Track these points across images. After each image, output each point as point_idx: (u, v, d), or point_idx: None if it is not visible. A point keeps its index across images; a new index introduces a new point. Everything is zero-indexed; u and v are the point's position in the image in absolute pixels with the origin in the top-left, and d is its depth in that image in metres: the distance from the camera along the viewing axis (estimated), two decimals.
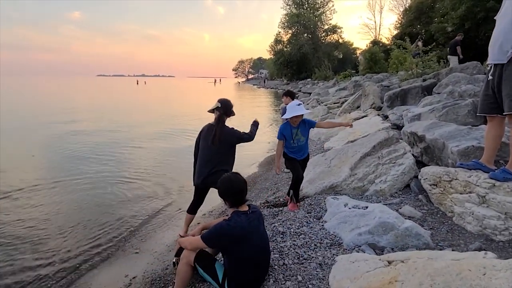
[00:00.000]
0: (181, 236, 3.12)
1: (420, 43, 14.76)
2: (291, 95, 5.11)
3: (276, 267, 2.39)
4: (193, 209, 3.32)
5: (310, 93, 22.64)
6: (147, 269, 2.99)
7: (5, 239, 3.55)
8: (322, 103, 13.93)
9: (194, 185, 3.23)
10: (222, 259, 2.33)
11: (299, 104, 3.31)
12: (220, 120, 3.14)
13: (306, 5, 49.00)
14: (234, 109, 3.28)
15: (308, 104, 14.48)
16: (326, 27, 49.06)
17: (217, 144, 3.07)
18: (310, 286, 2.11)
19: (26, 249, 3.34)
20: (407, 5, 31.45)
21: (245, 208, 2.20)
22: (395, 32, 31.09)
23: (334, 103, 12.49)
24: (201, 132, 3.25)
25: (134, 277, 2.88)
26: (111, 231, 3.76)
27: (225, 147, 3.13)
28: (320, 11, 48.95)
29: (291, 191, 3.54)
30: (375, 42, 32.20)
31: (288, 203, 3.58)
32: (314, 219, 3.12)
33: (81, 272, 3.01)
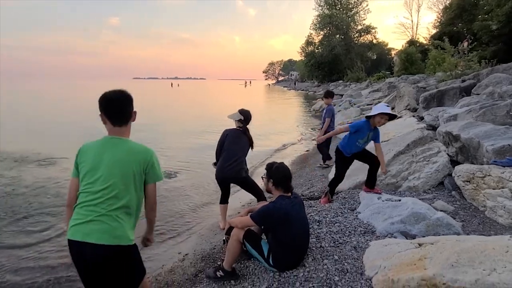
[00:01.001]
0: (223, 228, 3.52)
1: (465, 44, 14.26)
2: (332, 95, 5.64)
3: (314, 248, 2.66)
4: (223, 200, 3.72)
5: (342, 95, 22.45)
6: (196, 248, 3.38)
7: None
8: (355, 104, 13.89)
9: (216, 178, 3.62)
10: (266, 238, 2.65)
11: (387, 106, 3.44)
12: (247, 130, 3.66)
13: (339, 6, 48.48)
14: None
15: (340, 106, 14.49)
16: (359, 27, 48.26)
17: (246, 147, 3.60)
18: (345, 264, 2.36)
19: None
20: (448, 2, 30.14)
21: (289, 194, 2.50)
22: (434, 31, 29.94)
23: (367, 105, 12.44)
24: (226, 134, 3.61)
25: (186, 254, 3.28)
26: (162, 218, 4.21)
27: (246, 149, 3.63)
28: (353, 11, 48.24)
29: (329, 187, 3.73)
30: (412, 42, 31.21)
31: (322, 197, 3.82)
32: (348, 210, 3.36)
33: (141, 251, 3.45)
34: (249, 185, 3.59)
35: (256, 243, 2.51)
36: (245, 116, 3.66)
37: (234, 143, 3.55)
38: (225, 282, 2.58)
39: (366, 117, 3.43)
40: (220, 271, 2.57)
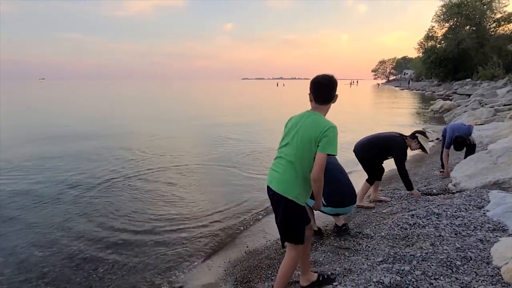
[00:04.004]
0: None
1: None
2: None
3: (432, 236, 2.69)
4: (369, 180, 3.98)
5: (469, 95, 19.47)
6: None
7: (186, 202, 5.03)
8: (486, 104, 11.98)
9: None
10: None
11: None
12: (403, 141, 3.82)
13: None
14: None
15: (467, 106, 12.71)
16: (498, 16, 40.11)
17: None
18: (469, 252, 2.33)
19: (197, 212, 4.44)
20: None
21: None
22: None
23: (504, 105, 10.60)
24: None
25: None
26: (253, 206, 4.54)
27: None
28: None
29: None
30: None
31: None
32: (474, 208, 3.17)
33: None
34: (368, 166, 3.91)
35: None
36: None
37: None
38: (339, 252, 2.87)
39: None
40: None
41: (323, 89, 1.98)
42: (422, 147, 3.75)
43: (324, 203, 2.97)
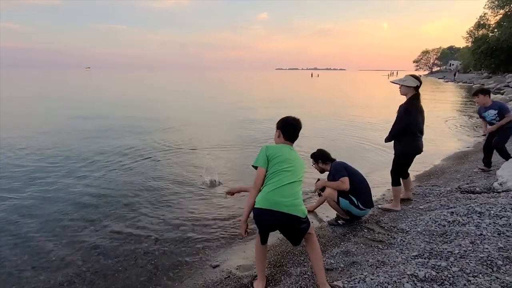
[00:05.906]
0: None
1: None
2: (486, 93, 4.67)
3: (472, 234, 2.61)
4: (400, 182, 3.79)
5: None
6: None
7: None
8: None
9: (415, 154, 3.66)
10: None
11: None
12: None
13: None
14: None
15: None
16: None
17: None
18: None
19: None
20: None
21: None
22: None
23: None
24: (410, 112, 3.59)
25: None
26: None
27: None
28: None
29: None
30: None
31: None
32: None
33: None
34: None
35: (347, 196, 3.26)
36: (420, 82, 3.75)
37: (418, 117, 3.64)
38: (372, 245, 2.88)
39: None
40: (341, 219, 3.45)
41: (298, 132, 2.34)
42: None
43: (362, 207, 3.29)
